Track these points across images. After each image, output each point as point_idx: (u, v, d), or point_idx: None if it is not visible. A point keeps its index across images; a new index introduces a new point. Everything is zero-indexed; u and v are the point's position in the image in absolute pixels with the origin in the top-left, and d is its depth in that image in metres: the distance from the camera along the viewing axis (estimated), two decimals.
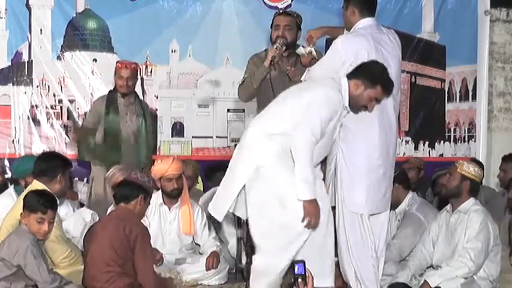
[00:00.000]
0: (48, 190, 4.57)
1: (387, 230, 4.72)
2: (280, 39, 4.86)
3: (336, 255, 4.56)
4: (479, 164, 6.63)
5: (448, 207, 4.87)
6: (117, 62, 6.11)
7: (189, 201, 5.47)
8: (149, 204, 4.81)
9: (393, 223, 5.36)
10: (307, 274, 3.11)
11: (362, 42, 4.46)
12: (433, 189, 6.39)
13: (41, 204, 4.28)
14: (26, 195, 4.42)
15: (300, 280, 3.09)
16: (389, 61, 4.48)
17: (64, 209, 5.37)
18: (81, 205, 6.29)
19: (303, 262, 3.15)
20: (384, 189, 4.55)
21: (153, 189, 4.99)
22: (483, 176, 6.53)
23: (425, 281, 4.63)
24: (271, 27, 5.07)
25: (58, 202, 4.75)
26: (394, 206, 5.25)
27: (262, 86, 4.93)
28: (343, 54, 4.42)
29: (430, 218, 5.14)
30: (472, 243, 4.63)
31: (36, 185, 4.74)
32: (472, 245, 4.62)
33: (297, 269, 3.11)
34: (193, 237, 5.52)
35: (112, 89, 6.08)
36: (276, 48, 4.79)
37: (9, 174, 6.63)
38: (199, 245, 5.57)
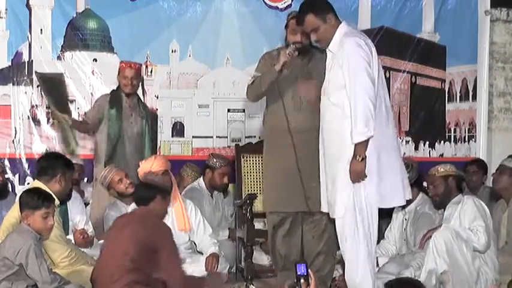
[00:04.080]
0: (41, 188, 4.58)
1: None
2: (295, 44, 4.81)
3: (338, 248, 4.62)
4: (480, 164, 6.69)
5: (440, 210, 4.97)
6: (121, 62, 6.13)
7: (179, 198, 5.46)
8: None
9: (399, 221, 5.38)
10: (309, 274, 3.11)
11: (368, 40, 4.46)
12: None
13: (42, 199, 4.30)
14: (21, 197, 4.41)
15: (302, 281, 3.09)
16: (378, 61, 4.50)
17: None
18: (86, 205, 6.30)
19: (305, 263, 3.15)
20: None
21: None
22: (484, 175, 6.64)
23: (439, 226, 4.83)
24: (285, 27, 5.02)
25: (58, 203, 4.78)
26: (405, 205, 5.27)
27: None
28: (366, 55, 4.34)
29: (437, 216, 5.23)
30: (477, 222, 4.76)
31: (36, 184, 4.75)
32: (478, 223, 4.76)
33: (299, 270, 3.11)
34: (189, 236, 5.51)
35: (115, 89, 6.10)
36: (289, 54, 4.74)
37: (9, 174, 6.65)
38: (195, 244, 5.56)
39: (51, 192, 4.56)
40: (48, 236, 4.42)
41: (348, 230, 4.37)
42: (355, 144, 4.28)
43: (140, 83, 6.11)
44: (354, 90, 4.29)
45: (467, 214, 4.78)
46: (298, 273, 3.10)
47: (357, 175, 4.28)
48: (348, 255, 4.41)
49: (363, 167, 4.27)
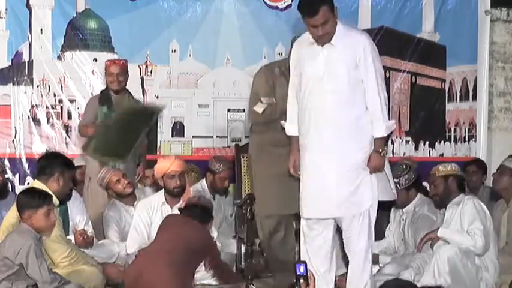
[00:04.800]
0: (36, 187, 4.59)
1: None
2: None
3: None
4: (480, 164, 6.69)
5: (442, 211, 4.95)
6: (106, 60, 6.20)
7: None
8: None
9: (397, 221, 5.38)
10: (309, 275, 3.10)
11: None
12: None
13: (43, 198, 4.31)
14: (19, 199, 4.40)
15: (301, 281, 3.08)
16: None
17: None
18: None
19: (305, 263, 3.14)
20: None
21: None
22: (483, 175, 6.64)
23: (436, 229, 4.81)
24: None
25: (58, 203, 4.79)
26: (402, 205, 5.27)
27: None
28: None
29: (439, 217, 5.21)
30: (475, 224, 4.73)
31: (36, 183, 4.76)
32: (476, 225, 4.72)
33: (299, 270, 3.10)
34: None
35: (104, 88, 6.15)
36: None
37: (9, 174, 6.65)
38: None
39: (48, 191, 4.57)
40: (50, 233, 4.42)
41: (365, 227, 4.41)
42: (378, 139, 4.32)
43: (127, 80, 6.13)
44: (377, 85, 4.31)
45: (466, 216, 4.77)
46: (298, 273, 3.08)
47: (378, 170, 4.35)
48: (359, 253, 4.45)
49: (384, 162, 4.35)
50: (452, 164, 5.08)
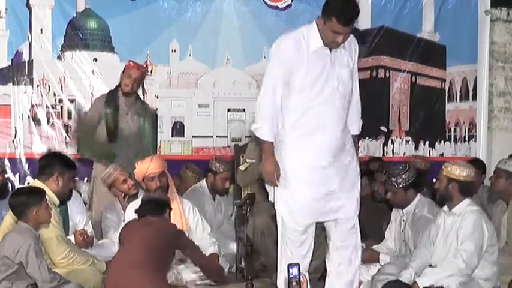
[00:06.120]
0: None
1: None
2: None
3: None
4: (479, 164, 6.66)
5: (445, 208, 4.85)
6: (130, 61, 6.10)
7: (177, 198, 5.45)
8: None
9: (398, 222, 5.37)
10: (301, 278, 3.08)
11: None
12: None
13: (40, 192, 4.35)
14: (18, 201, 4.37)
15: (294, 284, 3.05)
16: None
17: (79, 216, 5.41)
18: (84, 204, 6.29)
19: (298, 265, 3.11)
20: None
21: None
22: (482, 174, 6.63)
23: (415, 282, 4.60)
24: None
25: (58, 203, 4.79)
26: (400, 205, 5.26)
27: None
28: None
29: (441, 215, 5.15)
30: (465, 245, 4.58)
31: (36, 183, 4.77)
32: (465, 247, 4.57)
33: (292, 273, 3.08)
34: (188, 235, 5.51)
35: (113, 88, 6.12)
36: None
37: (9, 174, 6.65)
38: None
39: (48, 190, 4.59)
40: (50, 222, 4.44)
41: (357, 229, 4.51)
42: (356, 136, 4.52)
43: (140, 86, 6.10)
44: (357, 87, 4.46)
45: (461, 233, 4.65)
46: (290, 276, 3.05)
47: None
48: (356, 248, 4.55)
49: None
50: (464, 169, 4.73)
